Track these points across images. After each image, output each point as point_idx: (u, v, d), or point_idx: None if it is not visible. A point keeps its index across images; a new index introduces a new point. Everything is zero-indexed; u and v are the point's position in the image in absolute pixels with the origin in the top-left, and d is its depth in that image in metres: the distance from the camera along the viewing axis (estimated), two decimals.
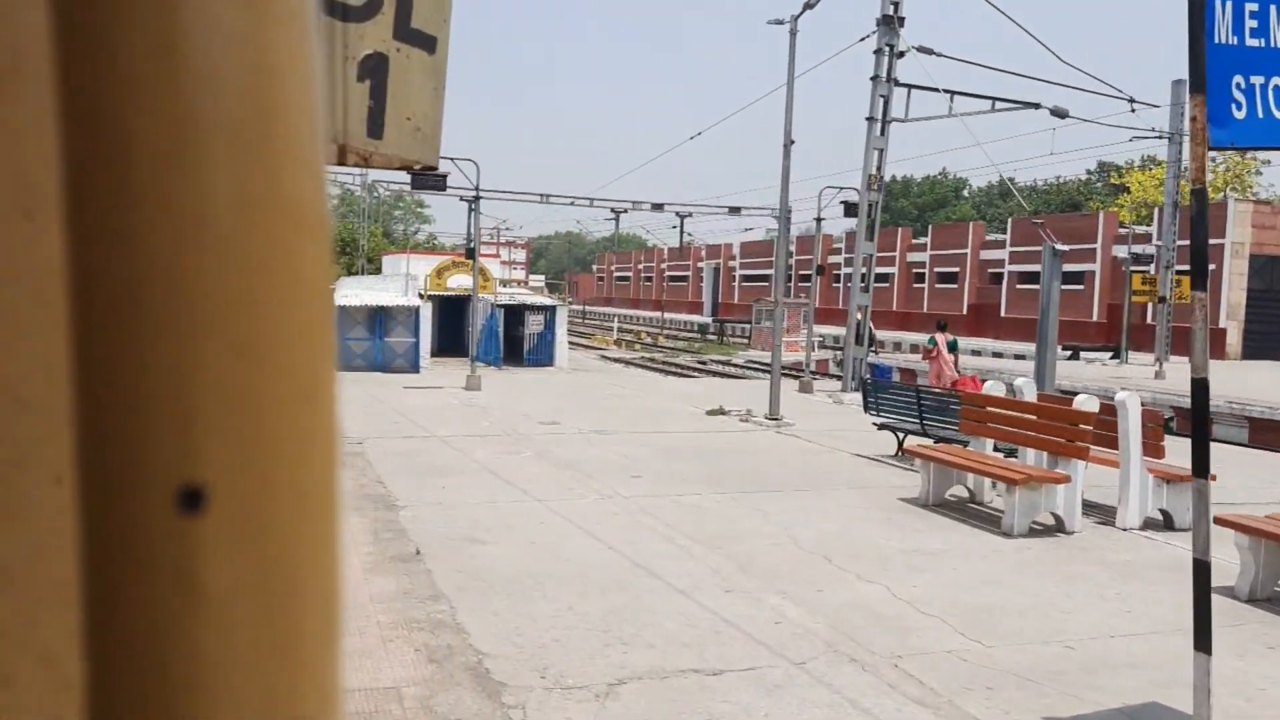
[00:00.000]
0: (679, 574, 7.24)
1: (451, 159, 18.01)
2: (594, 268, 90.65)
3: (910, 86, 19.20)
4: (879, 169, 19.65)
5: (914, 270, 54.58)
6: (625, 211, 62.63)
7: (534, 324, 33.02)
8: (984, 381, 24.70)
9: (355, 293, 31.29)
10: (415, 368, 29.95)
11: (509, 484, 10.34)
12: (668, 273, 76.14)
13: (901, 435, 12.51)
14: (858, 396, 19.45)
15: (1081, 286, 50.15)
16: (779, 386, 15.83)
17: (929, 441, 11.53)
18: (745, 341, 52.23)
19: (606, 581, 7.02)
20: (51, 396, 0.36)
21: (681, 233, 65.01)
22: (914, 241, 55.73)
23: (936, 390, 13.68)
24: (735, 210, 63.13)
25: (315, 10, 0.41)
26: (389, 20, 1.89)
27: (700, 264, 72.18)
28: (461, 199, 57.95)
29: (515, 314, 33.87)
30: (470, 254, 19.47)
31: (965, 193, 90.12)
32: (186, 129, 0.37)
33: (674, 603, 6.61)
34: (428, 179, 18.02)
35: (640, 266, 79.55)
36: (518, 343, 33.31)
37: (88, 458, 0.37)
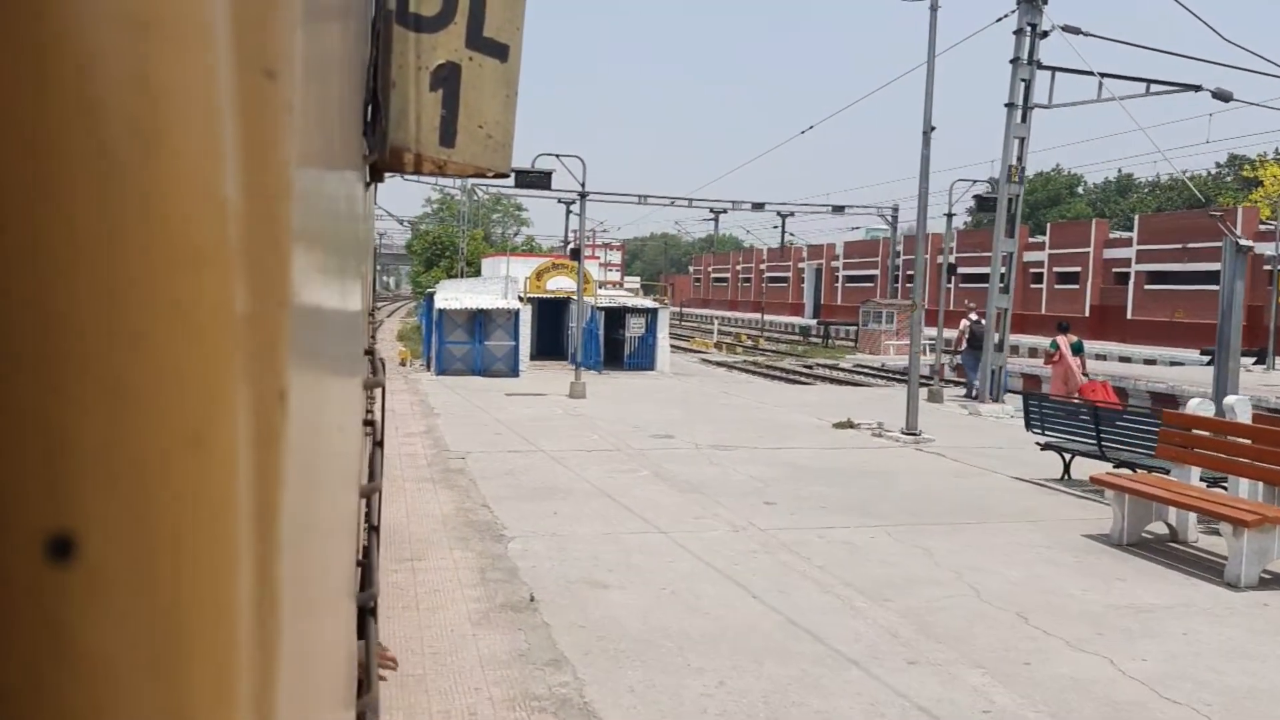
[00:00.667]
0: (847, 637, 5.96)
1: (557, 155, 17.06)
2: (690, 269, 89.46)
3: (1055, 69, 17.50)
4: (1020, 159, 17.99)
5: (1031, 270, 51.97)
6: (725, 211, 61.30)
7: (635, 327, 31.96)
8: (1116, 388, 22.70)
9: (455, 296, 30.67)
10: (515, 371, 29.19)
11: (627, 510, 9.18)
12: (767, 273, 74.49)
13: (1068, 457, 10.99)
14: (997, 408, 17.81)
15: (1217, 286, 47.11)
16: (917, 398, 14.36)
17: (1107, 466, 10.00)
18: (851, 344, 50.38)
19: (760, 646, 5.78)
20: None
21: (783, 232, 63.42)
22: (1031, 240, 53.09)
23: (1113, 407, 12.03)
24: (839, 209, 61.21)
25: (222, 24, 0.37)
26: (461, 29, 1.91)
27: (801, 264, 70.39)
28: (560, 201, 57.37)
29: (615, 317, 32.87)
30: (575, 254, 18.45)
31: (1080, 189, 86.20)
32: (53, 153, 0.34)
33: (849, 679, 5.34)
34: (531, 178, 17.07)
35: (738, 267, 78.08)
36: (618, 346, 32.30)
37: None
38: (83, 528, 0.35)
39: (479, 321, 29.51)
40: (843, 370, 39.05)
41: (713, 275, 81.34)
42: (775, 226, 63.35)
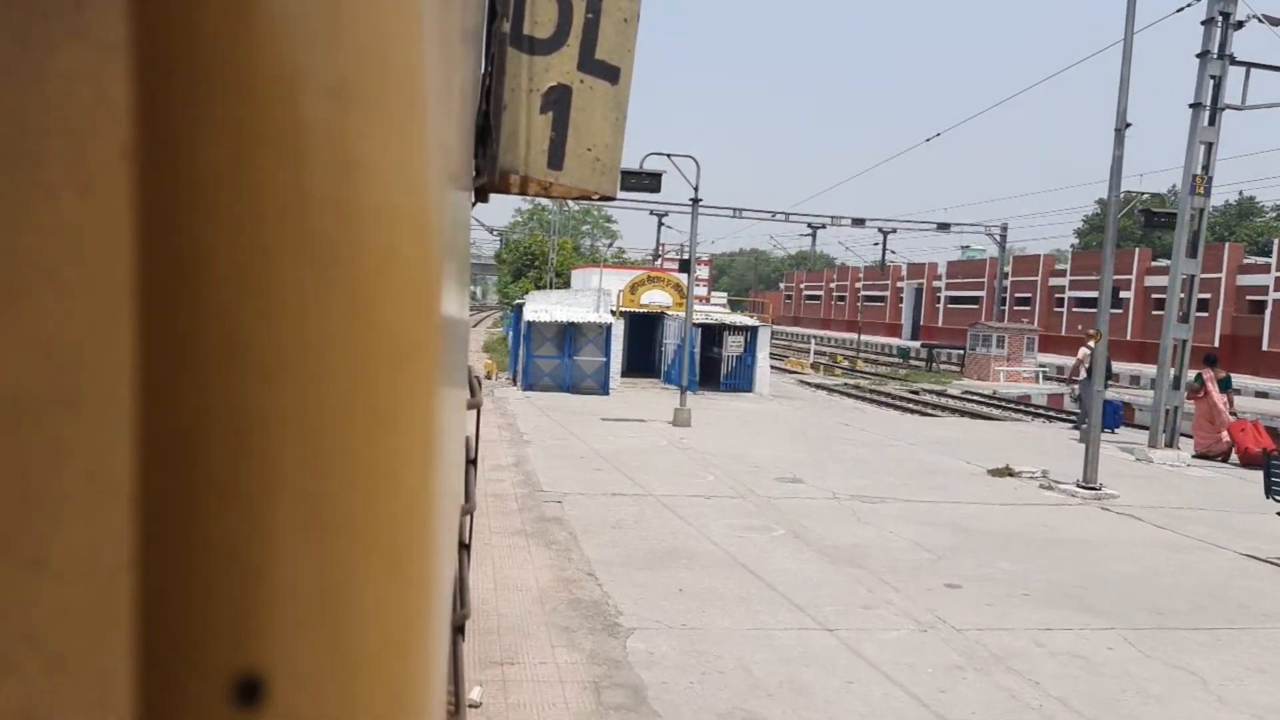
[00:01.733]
0: None
1: (669, 155, 15.18)
2: (781, 286, 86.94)
3: (1251, 65, 15.02)
4: (1206, 167, 15.51)
5: (1153, 296, 48.47)
6: (824, 226, 58.89)
7: (733, 346, 29.94)
8: (1267, 428, 19.85)
9: (545, 308, 29.03)
10: (605, 389, 27.39)
11: (772, 590, 7.17)
12: (863, 292, 71.67)
13: None
14: (1170, 454, 15.33)
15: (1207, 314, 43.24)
16: (1098, 444, 12.02)
17: None
18: (957, 369, 47.51)
19: None
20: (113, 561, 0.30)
21: (884, 249, 60.70)
22: (1153, 264, 49.62)
23: None
24: (944, 226, 58.33)
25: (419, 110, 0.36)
26: (574, 52, 1.89)
27: (900, 283, 67.48)
28: (651, 213, 55.71)
29: (712, 334, 30.89)
30: (685, 266, 16.53)
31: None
32: (264, 251, 0.32)
33: None
34: (639, 180, 15.24)
35: (832, 285, 75.40)
36: (713, 365, 30.31)
37: (139, 646, 0.30)
38: (273, 667, 0.31)
39: (569, 335, 27.81)
40: (952, 397, 36.40)
41: (805, 292, 78.75)
42: (875, 243, 60.71)
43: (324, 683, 0.31)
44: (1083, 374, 19.63)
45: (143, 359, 0.29)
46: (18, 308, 0.28)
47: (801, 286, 79.87)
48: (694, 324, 29.24)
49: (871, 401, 32.41)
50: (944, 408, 30.78)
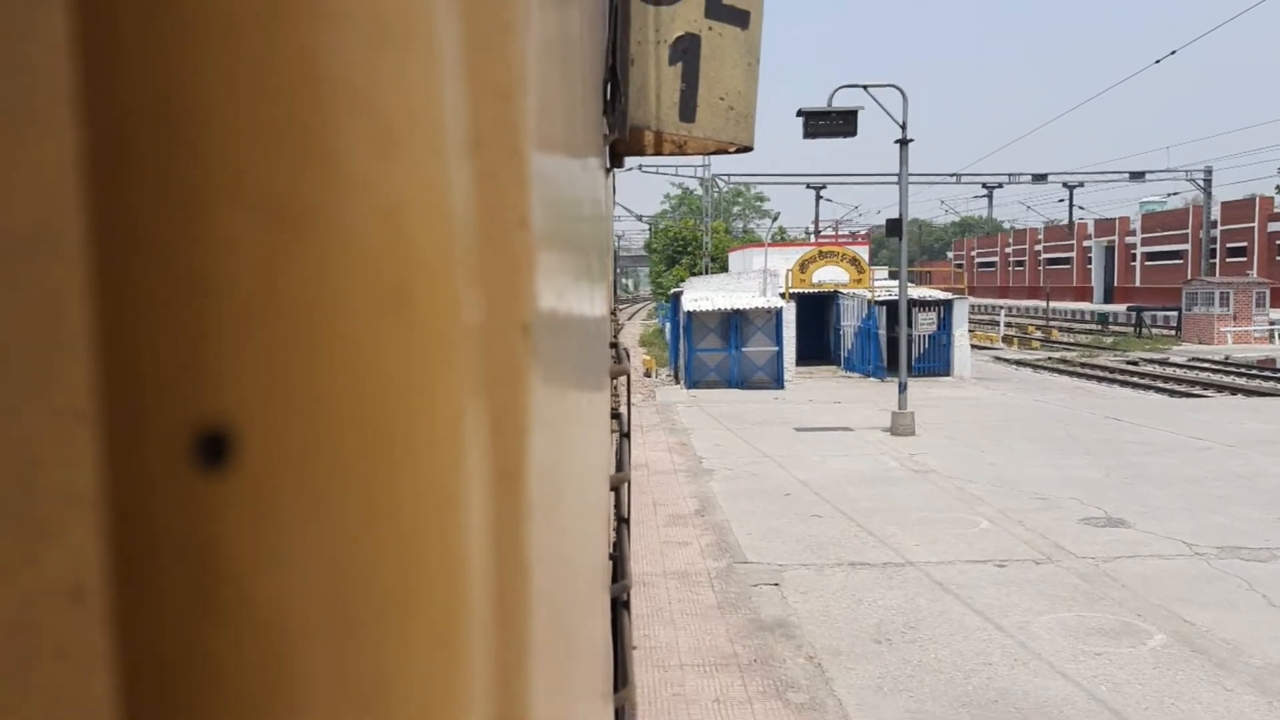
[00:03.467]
0: None
1: (864, 86, 11.45)
2: (949, 254, 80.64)
3: None
4: None
5: None
6: (1000, 186, 53.37)
7: (924, 324, 25.70)
8: None
9: (705, 295, 25.57)
10: (779, 381, 23.77)
11: None
12: (1044, 255, 65.16)
13: None
14: None
15: None
16: None
17: None
18: (1171, 333, 41.53)
19: None
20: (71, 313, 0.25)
21: (1071, 206, 54.58)
22: None
23: None
24: (1138, 175, 51.77)
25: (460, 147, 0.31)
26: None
27: (1087, 242, 60.85)
28: (808, 185, 51.53)
29: (898, 312, 26.83)
30: (893, 228, 12.68)
31: None
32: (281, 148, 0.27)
33: None
34: (829, 122, 11.57)
35: (1008, 250, 68.99)
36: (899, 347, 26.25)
37: (98, 392, 0.26)
38: (242, 419, 0.25)
39: (734, 324, 24.28)
40: (1177, 365, 31.03)
41: (977, 260, 72.50)
42: (1061, 200, 54.67)
43: (307, 444, 0.26)
44: None
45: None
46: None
47: (973, 254, 73.63)
48: (876, 302, 25.29)
49: (1094, 379, 27.57)
50: (1195, 382, 25.68)
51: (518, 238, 0.37)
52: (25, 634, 0.25)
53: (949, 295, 26.12)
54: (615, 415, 2.41)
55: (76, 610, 0.25)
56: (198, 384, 0.25)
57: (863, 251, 29.79)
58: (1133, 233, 57.59)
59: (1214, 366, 30.15)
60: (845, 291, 26.86)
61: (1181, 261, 53.25)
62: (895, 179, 47.41)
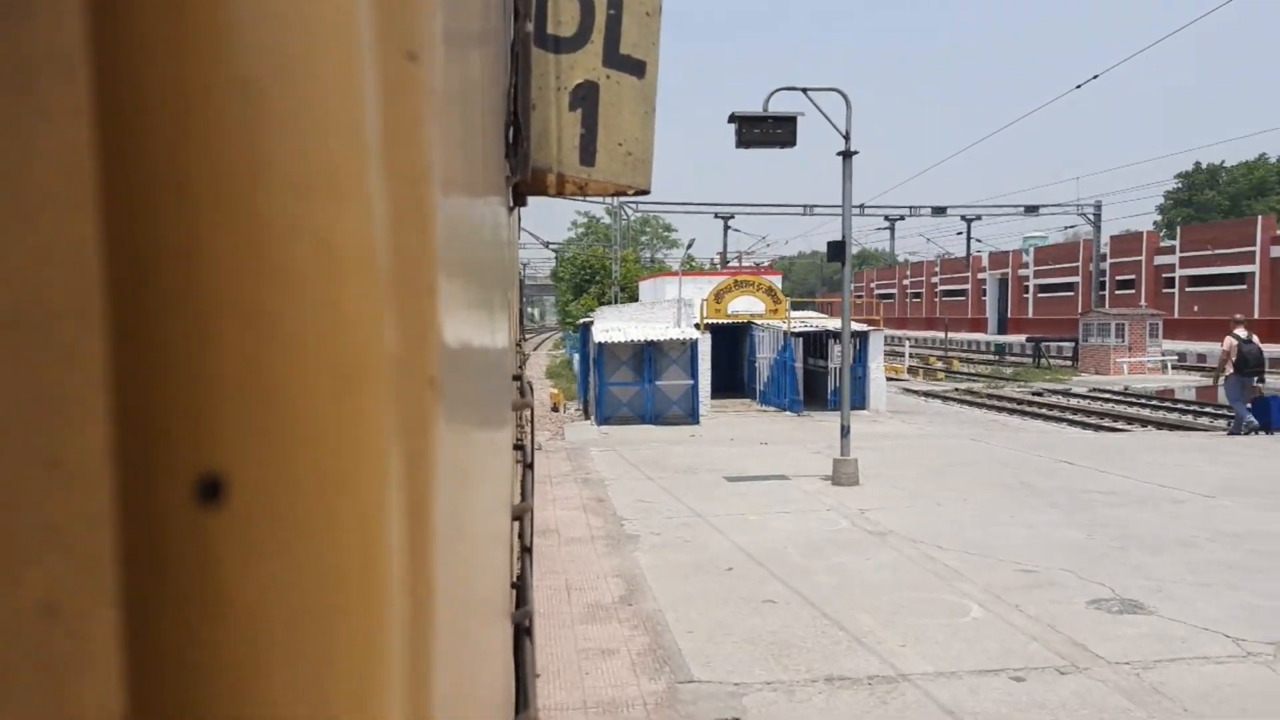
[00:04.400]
0: None
1: (804, 90, 9.92)
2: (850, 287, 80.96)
3: None
4: None
5: None
6: (902, 218, 52.96)
7: (839, 357, 24.46)
8: None
9: (617, 326, 23.86)
10: (694, 416, 22.18)
11: None
12: (940, 287, 65.49)
13: None
14: None
15: None
16: None
17: None
18: (1068, 363, 41.46)
19: None
20: (82, 388, 0.34)
21: (969, 238, 54.72)
22: (1278, 233, 43.10)
23: None
24: (1032, 209, 51.98)
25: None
26: (598, 48, 1.86)
27: (982, 275, 61.27)
28: (717, 215, 50.47)
29: (814, 344, 25.53)
30: (835, 252, 11.13)
31: None
32: (198, 90, 0.33)
33: None
34: (769, 130, 10.01)
35: (906, 282, 69.23)
36: (816, 380, 24.93)
37: (111, 451, 0.34)
38: (232, 469, 0.34)
39: (648, 356, 22.61)
40: (1080, 396, 30.56)
41: (876, 291, 72.56)
42: (959, 233, 54.76)
43: (280, 486, 0.35)
44: (1229, 369, 15.07)
45: (106, 210, 0.33)
46: (21, 226, 0.32)
47: (873, 285, 73.77)
48: (792, 333, 23.96)
49: (1005, 410, 26.72)
50: (1105, 414, 24.95)
51: (426, 295, 0.39)
52: (7, 642, 0.32)
53: (865, 327, 24.96)
54: (519, 447, 2.38)
55: (51, 623, 0.33)
56: (199, 443, 0.33)
57: (776, 282, 28.49)
58: (1025, 265, 58.15)
59: (1118, 398, 29.72)
60: (759, 322, 25.48)
61: (1072, 293, 53.83)
62: (802, 210, 45.88)
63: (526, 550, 2.15)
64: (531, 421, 3.33)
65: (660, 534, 8.62)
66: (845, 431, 10.87)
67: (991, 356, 48.90)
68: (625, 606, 6.60)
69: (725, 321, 25.46)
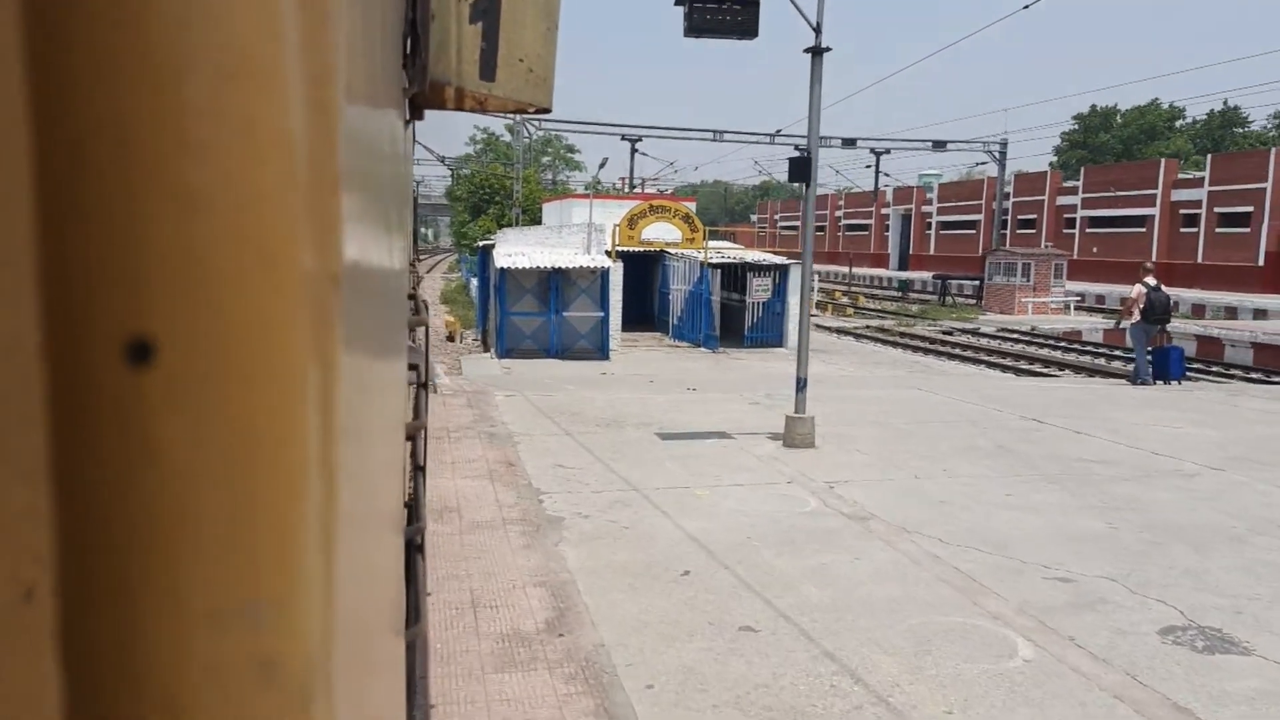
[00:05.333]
0: None
1: None
2: (753, 218, 79.39)
3: None
4: None
5: (1183, 212, 42.12)
6: None
7: (758, 291, 22.88)
8: None
9: (521, 251, 21.64)
10: (603, 351, 20.34)
11: None
12: (844, 221, 64.61)
13: None
14: None
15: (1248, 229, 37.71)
16: None
17: None
18: (972, 302, 40.98)
19: None
20: (10, 255, 0.35)
21: (877, 172, 53.67)
22: (1181, 176, 43.18)
23: None
24: (940, 145, 51.20)
25: None
26: None
27: (886, 210, 60.57)
28: (624, 138, 48.11)
29: (730, 277, 23.86)
30: (799, 170, 9.31)
31: (1179, 124, 75.37)
32: None
33: None
34: (721, 21, 8.09)
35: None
36: (733, 315, 23.32)
37: (41, 316, 0.36)
38: (160, 332, 0.36)
39: (554, 285, 20.55)
40: (989, 336, 29.87)
41: (780, 224, 71.44)
42: (867, 166, 53.66)
43: (206, 351, 0.37)
44: (1136, 315, 14.39)
45: (33, 78, 0.35)
46: None
47: (776, 218, 72.53)
48: (709, 264, 22.20)
49: (921, 350, 25.68)
50: (1026, 357, 24.06)
51: (330, 193, 0.41)
52: None
53: (785, 260, 23.37)
54: (413, 367, 2.24)
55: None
56: (129, 308, 0.36)
57: (692, 209, 26.50)
58: (929, 202, 57.64)
59: (1027, 338, 29.08)
60: (673, 251, 23.63)
61: (974, 231, 53.56)
62: (711, 135, 43.55)
63: (420, 469, 2.08)
64: (426, 341, 3.17)
65: (590, 516, 6.78)
66: (801, 385, 9.17)
67: (895, 293, 48.34)
68: (554, 638, 4.77)
69: (638, 249, 23.54)
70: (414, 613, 1.53)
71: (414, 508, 1.93)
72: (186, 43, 0.35)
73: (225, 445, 0.37)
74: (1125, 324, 15.33)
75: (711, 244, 24.03)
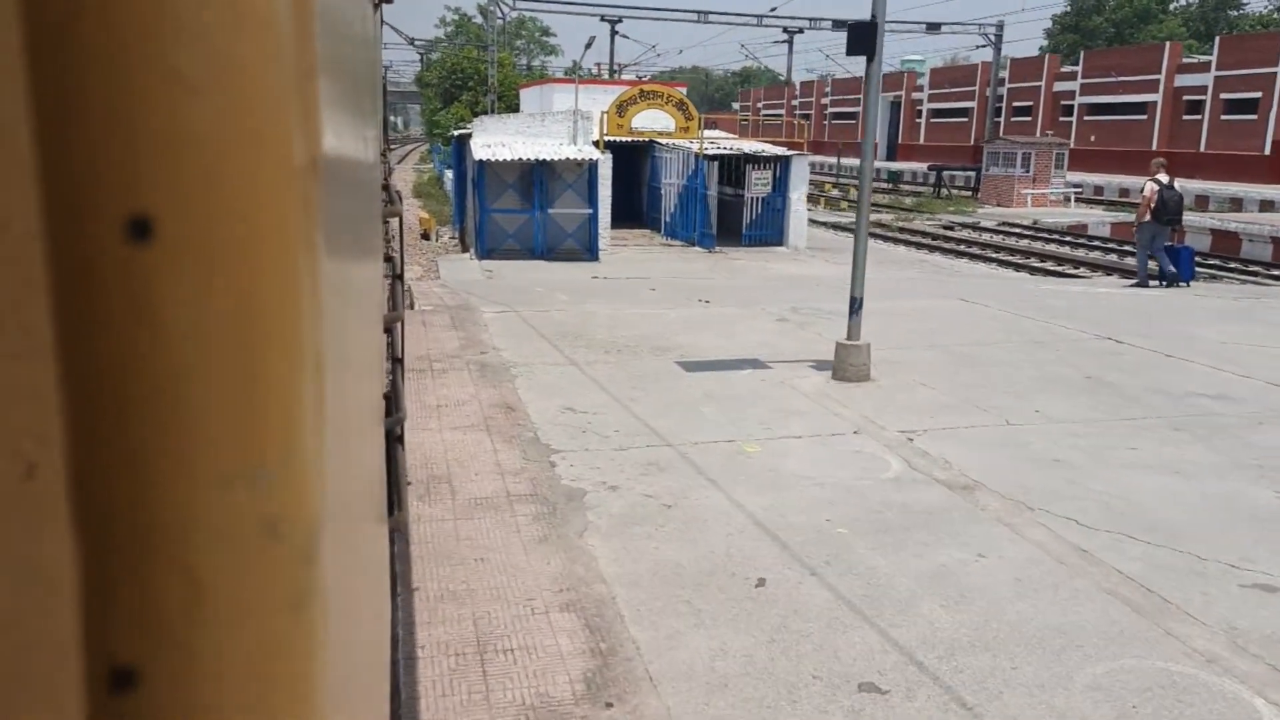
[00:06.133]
0: None
1: None
2: (735, 106, 76.20)
3: None
4: None
5: (1186, 98, 40.15)
6: (800, 31, 48.70)
7: (758, 185, 21.08)
8: None
9: (501, 141, 19.61)
10: (592, 251, 18.64)
11: None
12: (830, 109, 61.99)
13: None
14: None
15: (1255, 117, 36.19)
16: None
17: None
18: (968, 194, 39.21)
19: None
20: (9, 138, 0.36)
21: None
22: (1185, 60, 41.05)
23: None
24: (934, 27, 48.51)
25: None
26: None
27: None
28: (603, 19, 45.12)
29: (727, 170, 21.97)
30: (859, 38, 7.56)
31: (1173, 7, 72.42)
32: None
33: None
34: None
35: (795, 102, 65.38)
36: (731, 211, 21.55)
37: (43, 198, 0.37)
38: (158, 210, 0.37)
39: (539, 179, 18.66)
40: (991, 231, 28.31)
41: (763, 113, 68.56)
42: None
43: (203, 226, 0.38)
44: (1147, 215, 13.20)
45: None
46: None
47: (759, 105, 69.61)
48: (705, 155, 20.30)
49: (926, 247, 24.10)
50: (1039, 254, 22.53)
51: (308, 77, 0.41)
52: None
53: (786, 151, 21.49)
54: (388, 259, 2.28)
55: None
56: (127, 188, 0.37)
57: (684, 95, 24.19)
58: (919, 88, 55.16)
59: (1032, 233, 27.51)
60: (664, 142, 21.66)
61: (967, 119, 51.36)
62: (696, 17, 40.47)
63: (397, 360, 2.16)
64: (401, 233, 3.15)
65: (618, 487, 5.24)
66: (857, 306, 7.54)
67: (885, 184, 46.41)
68: (599, 710, 3.27)
69: (626, 140, 21.55)
70: (395, 502, 1.52)
71: (393, 399, 1.87)
72: None
73: (226, 316, 0.39)
74: (1142, 224, 14.00)
75: (706, 134, 22.04)
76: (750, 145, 22.35)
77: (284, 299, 0.39)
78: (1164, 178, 13.16)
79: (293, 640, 0.41)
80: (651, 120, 21.59)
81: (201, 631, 0.39)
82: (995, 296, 12.18)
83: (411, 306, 10.32)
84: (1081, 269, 20.20)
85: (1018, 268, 20.70)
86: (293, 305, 0.40)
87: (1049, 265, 20.71)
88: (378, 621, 0.95)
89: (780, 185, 21.18)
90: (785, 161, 21.10)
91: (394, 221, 2.92)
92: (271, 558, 0.40)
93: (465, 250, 20.79)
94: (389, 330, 1.99)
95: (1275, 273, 20.10)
